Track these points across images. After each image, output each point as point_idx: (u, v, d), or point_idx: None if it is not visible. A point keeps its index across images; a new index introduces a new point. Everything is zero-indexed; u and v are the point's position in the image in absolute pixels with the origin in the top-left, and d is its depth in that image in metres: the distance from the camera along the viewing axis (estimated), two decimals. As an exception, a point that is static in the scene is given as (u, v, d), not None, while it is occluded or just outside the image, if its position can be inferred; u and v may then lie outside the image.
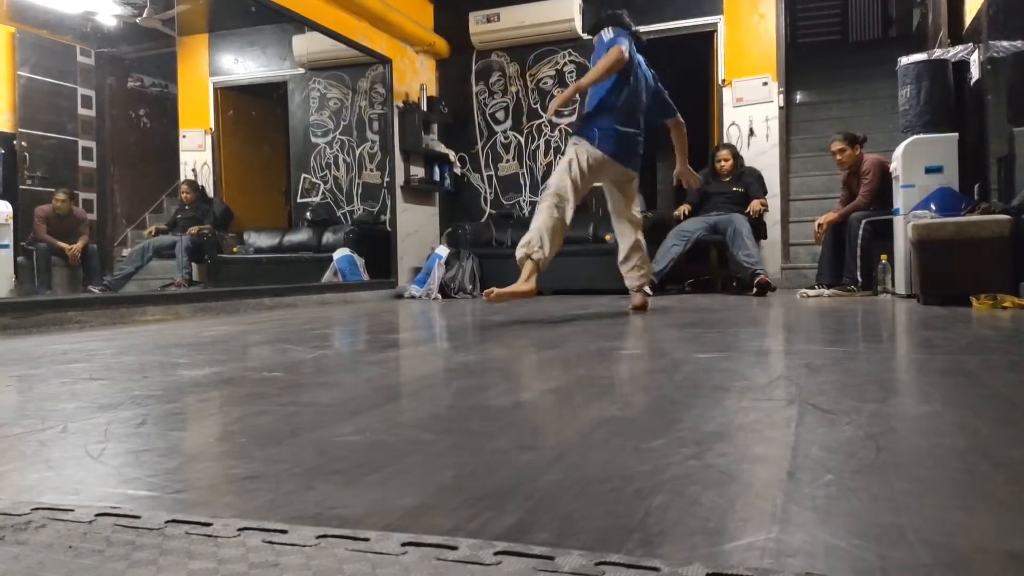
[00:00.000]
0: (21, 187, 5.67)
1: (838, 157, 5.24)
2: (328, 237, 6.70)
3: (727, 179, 5.87)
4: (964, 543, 0.68)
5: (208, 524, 0.75)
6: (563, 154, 3.73)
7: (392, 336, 3.13)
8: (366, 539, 0.70)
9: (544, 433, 1.17)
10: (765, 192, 5.88)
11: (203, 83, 7.21)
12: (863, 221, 4.92)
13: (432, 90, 7.12)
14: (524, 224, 6.70)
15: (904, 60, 4.67)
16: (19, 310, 3.51)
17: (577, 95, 3.72)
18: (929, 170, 4.34)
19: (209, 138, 7.11)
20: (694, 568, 0.62)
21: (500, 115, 7.15)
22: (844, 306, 4.05)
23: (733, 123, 6.42)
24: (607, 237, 6.24)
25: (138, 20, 6.38)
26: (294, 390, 1.68)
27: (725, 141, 6.31)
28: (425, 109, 6.80)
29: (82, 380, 1.84)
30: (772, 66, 6.33)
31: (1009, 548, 0.67)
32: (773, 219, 6.14)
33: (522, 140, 7.07)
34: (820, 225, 5.27)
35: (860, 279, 4.89)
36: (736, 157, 5.90)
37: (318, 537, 0.71)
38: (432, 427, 1.26)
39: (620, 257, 3.84)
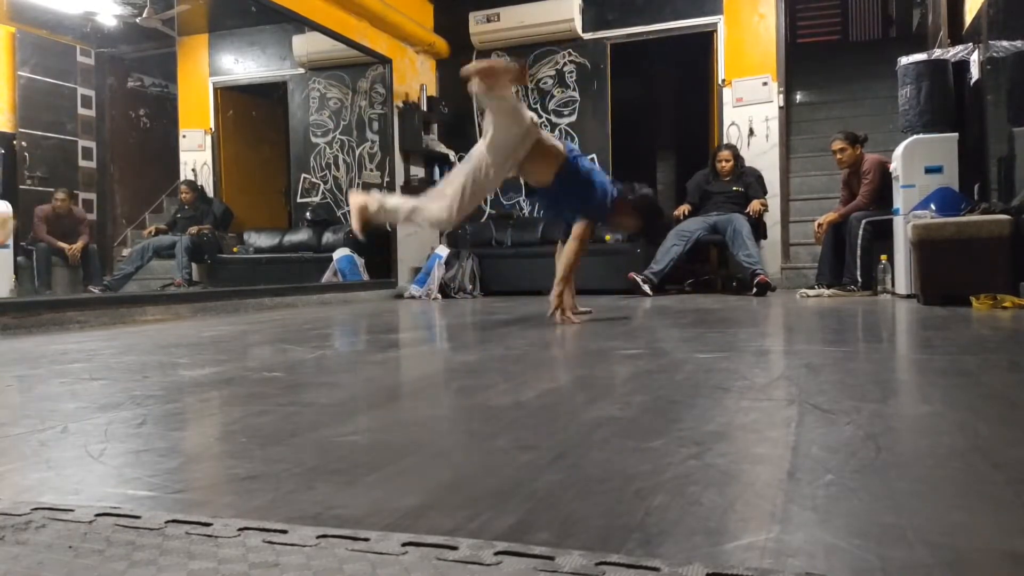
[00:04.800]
0: (21, 187, 5.67)
1: (838, 156, 5.24)
2: (328, 237, 6.70)
3: (727, 179, 5.87)
4: (964, 543, 0.68)
5: (208, 524, 0.75)
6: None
7: (392, 336, 3.13)
8: (366, 539, 0.70)
9: (544, 433, 1.17)
10: (765, 192, 5.88)
11: (203, 83, 7.21)
12: (863, 221, 4.92)
13: (432, 90, 7.12)
14: (524, 224, 6.75)
15: (904, 60, 4.67)
16: (19, 310, 3.51)
17: None
18: (929, 170, 4.34)
19: (209, 138, 7.11)
20: (694, 568, 0.62)
21: (500, 115, 7.14)
22: (844, 306, 4.05)
23: (733, 123, 6.42)
24: (607, 237, 6.24)
25: (138, 20, 6.38)
26: (294, 390, 1.68)
27: (725, 141, 6.31)
28: (425, 109, 6.80)
29: (82, 380, 1.84)
30: (772, 66, 6.33)
31: (1009, 548, 0.67)
32: (773, 219, 6.14)
33: (522, 140, 7.06)
34: (820, 225, 5.27)
35: (860, 279, 4.89)
36: (737, 157, 5.90)
37: (318, 537, 0.71)
38: (432, 427, 1.26)
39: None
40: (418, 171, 6.83)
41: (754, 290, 5.22)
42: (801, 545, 0.68)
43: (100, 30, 6.36)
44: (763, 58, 6.36)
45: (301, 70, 7.25)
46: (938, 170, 4.33)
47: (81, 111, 6.35)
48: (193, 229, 6.57)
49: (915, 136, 4.45)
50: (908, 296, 4.40)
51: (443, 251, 6.32)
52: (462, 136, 7.23)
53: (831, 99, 7.76)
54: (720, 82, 6.49)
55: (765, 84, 6.32)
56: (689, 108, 7.81)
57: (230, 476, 0.98)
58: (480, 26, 6.90)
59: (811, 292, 4.96)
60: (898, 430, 1.15)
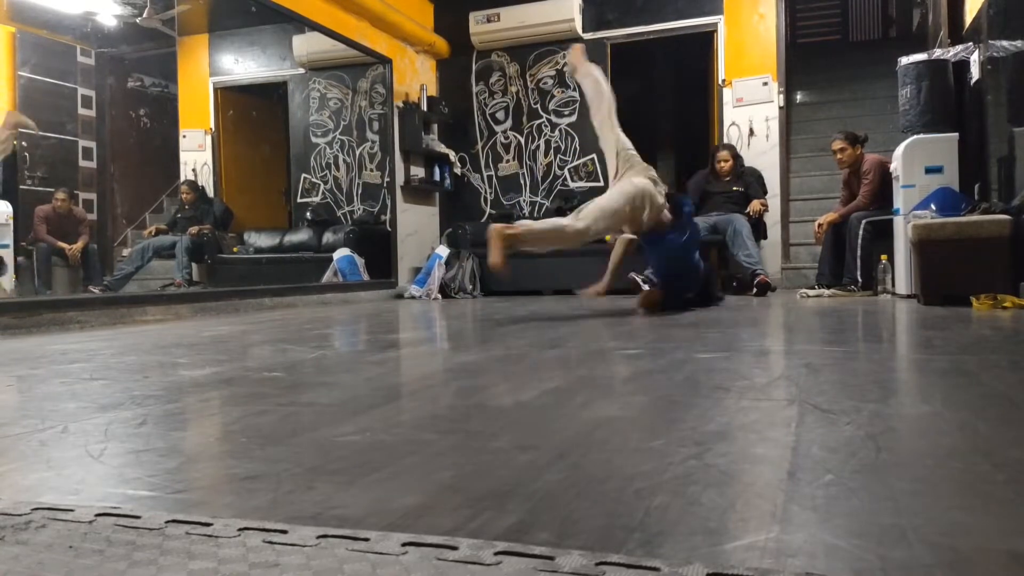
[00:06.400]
0: (21, 187, 5.67)
1: (839, 156, 5.24)
2: (328, 237, 6.70)
3: (727, 179, 5.87)
4: (964, 543, 0.68)
5: (208, 524, 0.75)
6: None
7: (392, 336, 3.13)
8: (366, 539, 0.70)
9: (544, 433, 1.17)
10: (765, 192, 5.88)
11: (203, 83, 7.21)
12: (863, 221, 4.92)
13: (432, 90, 7.12)
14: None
15: (904, 60, 4.67)
16: (19, 310, 3.51)
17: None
18: (929, 170, 4.34)
19: (209, 138, 7.11)
20: (694, 568, 0.62)
21: (500, 115, 7.15)
22: (844, 306, 4.05)
23: (733, 123, 6.42)
24: (607, 238, 6.23)
25: (138, 20, 6.37)
26: (294, 390, 1.68)
27: (725, 141, 6.31)
28: (425, 109, 6.80)
29: (82, 380, 1.84)
30: (772, 66, 6.33)
31: (1009, 548, 0.67)
32: (773, 219, 6.14)
33: (522, 140, 7.08)
34: (820, 225, 5.27)
35: (860, 279, 4.89)
36: (736, 157, 5.90)
37: (318, 537, 0.71)
38: (432, 427, 1.26)
39: None
40: (418, 171, 6.83)
41: (754, 290, 5.22)
42: (801, 545, 0.68)
43: (100, 30, 6.36)
44: (763, 58, 6.36)
45: (301, 70, 7.25)
46: (938, 170, 4.33)
47: (81, 111, 6.34)
48: (193, 229, 6.57)
49: (915, 136, 4.45)
50: (908, 296, 4.40)
51: (443, 251, 6.32)
52: (462, 136, 7.24)
53: (831, 99, 7.76)
54: (720, 82, 6.49)
55: (765, 84, 6.32)
56: (689, 108, 7.81)
57: (230, 476, 0.98)
58: (480, 26, 6.90)
59: (811, 292, 4.96)
60: (898, 430, 1.15)
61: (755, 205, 5.67)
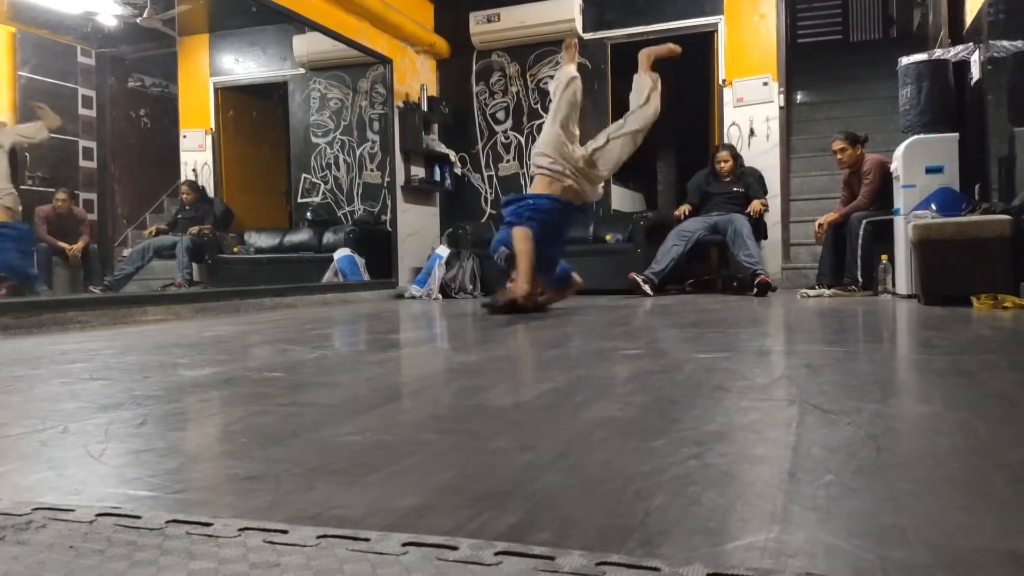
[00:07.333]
0: (22, 187, 5.67)
1: (839, 156, 5.24)
2: (328, 237, 6.70)
3: (727, 179, 5.87)
4: (964, 543, 0.68)
5: (209, 524, 0.75)
6: None
7: (392, 336, 3.13)
8: (366, 539, 0.70)
9: (544, 433, 1.17)
10: (765, 192, 5.88)
11: (203, 83, 7.21)
12: (864, 221, 4.92)
13: (432, 90, 7.12)
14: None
15: (904, 60, 4.67)
16: (19, 310, 3.51)
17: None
18: (930, 170, 4.34)
19: (209, 138, 7.11)
20: (694, 568, 0.62)
21: (500, 115, 7.15)
22: (844, 306, 4.05)
23: (733, 123, 6.41)
24: (608, 237, 6.24)
25: (138, 20, 6.37)
26: (295, 390, 1.68)
27: (725, 141, 6.31)
28: (425, 109, 6.80)
29: (83, 380, 1.84)
30: (772, 66, 6.33)
31: (1009, 548, 0.67)
32: (774, 219, 6.14)
33: (522, 140, 7.07)
34: (820, 225, 5.27)
35: (861, 279, 4.89)
36: (736, 157, 5.90)
37: (318, 537, 0.71)
38: (432, 427, 1.26)
39: None
40: (418, 171, 6.83)
41: (755, 290, 5.22)
42: (801, 545, 0.68)
43: (100, 30, 6.36)
44: (763, 58, 6.35)
45: (301, 70, 7.25)
46: (939, 170, 4.33)
47: (82, 111, 6.34)
48: (194, 229, 6.57)
49: (916, 136, 4.45)
50: (909, 296, 4.39)
51: (443, 251, 6.32)
52: (462, 136, 7.24)
53: (831, 99, 7.75)
54: (721, 82, 6.48)
55: (765, 84, 6.32)
56: (689, 108, 7.80)
57: (230, 476, 0.98)
58: (480, 26, 6.91)
59: (812, 292, 4.96)
60: (898, 430, 1.15)
61: (755, 205, 5.67)
